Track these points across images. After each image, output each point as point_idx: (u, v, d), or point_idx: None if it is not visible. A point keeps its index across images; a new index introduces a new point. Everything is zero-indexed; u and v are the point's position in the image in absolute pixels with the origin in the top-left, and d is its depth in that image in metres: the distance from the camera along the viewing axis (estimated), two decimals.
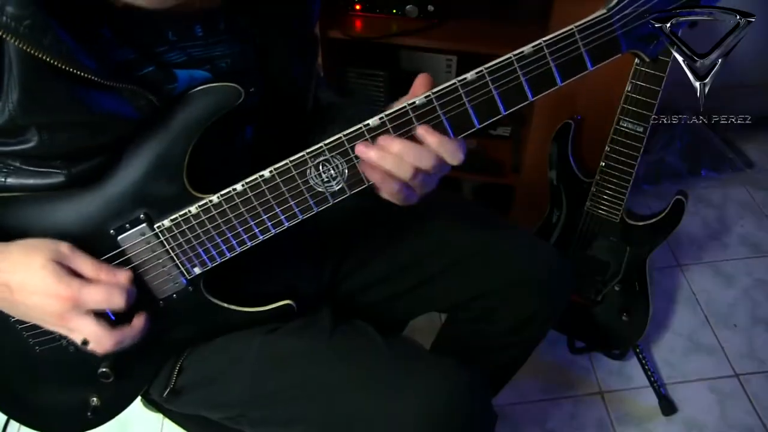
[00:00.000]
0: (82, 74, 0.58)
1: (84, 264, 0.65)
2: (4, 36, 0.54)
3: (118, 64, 0.63)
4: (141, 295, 0.70)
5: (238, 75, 0.73)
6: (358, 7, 1.52)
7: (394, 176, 0.65)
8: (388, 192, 0.67)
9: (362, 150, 0.64)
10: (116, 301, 0.65)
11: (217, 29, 0.70)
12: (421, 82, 0.65)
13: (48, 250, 0.64)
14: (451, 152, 0.64)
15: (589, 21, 0.60)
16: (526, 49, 0.61)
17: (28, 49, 0.55)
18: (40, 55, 0.56)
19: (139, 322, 0.70)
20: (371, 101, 1.65)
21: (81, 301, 0.63)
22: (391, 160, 0.64)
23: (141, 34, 0.64)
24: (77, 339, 0.66)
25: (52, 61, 0.56)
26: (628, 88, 1.15)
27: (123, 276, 0.67)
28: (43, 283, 0.63)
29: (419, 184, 0.66)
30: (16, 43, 0.55)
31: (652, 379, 1.49)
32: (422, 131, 0.64)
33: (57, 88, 0.59)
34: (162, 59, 0.66)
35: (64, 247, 0.65)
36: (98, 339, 0.66)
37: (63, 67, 0.57)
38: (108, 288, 0.65)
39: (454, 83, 0.62)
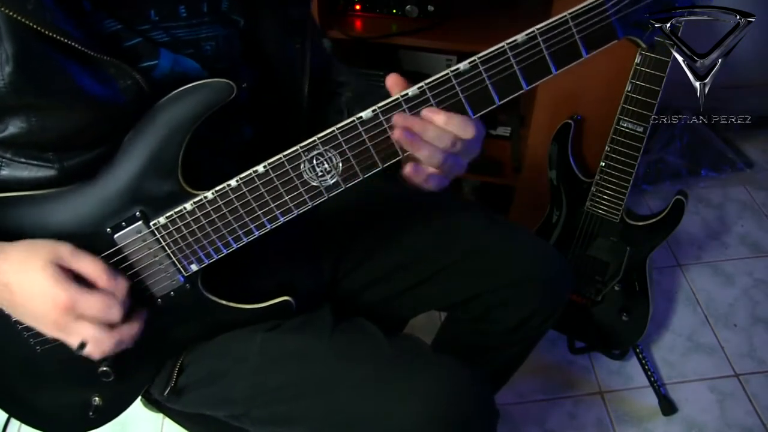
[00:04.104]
0: (69, 43, 0.58)
1: (85, 265, 0.65)
2: None
3: (106, 36, 0.63)
4: (138, 293, 0.70)
5: (226, 63, 0.74)
6: (358, 7, 1.52)
7: (435, 146, 0.65)
8: (431, 165, 0.67)
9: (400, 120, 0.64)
10: (113, 314, 0.65)
11: (200, 11, 0.70)
12: (394, 81, 0.65)
13: (47, 252, 0.64)
14: (461, 126, 0.64)
15: (582, 7, 0.60)
16: (520, 37, 0.61)
17: (13, 14, 0.55)
18: (25, 21, 0.56)
19: (136, 321, 0.69)
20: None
21: (77, 309, 0.63)
22: (433, 130, 0.64)
23: (121, 10, 0.64)
24: (74, 343, 0.66)
25: (38, 28, 0.56)
26: (628, 88, 1.15)
27: (122, 284, 0.66)
28: (41, 287, 0.63)
29: (449, 167, 0.67)
30: (0, 8, 0.55)
31: (652, 379, 1.49)
32: (427, 113, 0.64)
33: (48, 62, 0.59)
34: (147, 36, 0.66)
35: (64, 249, 0.65)
36: (97, 342, 0.66)
37: (50, 34, 0.57)
38: (106, 300, 0.64)
39: (447, 74, 0.62)
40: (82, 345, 0.65)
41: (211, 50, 0.71)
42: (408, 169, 0.68)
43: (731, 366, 1.55)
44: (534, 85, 0.63)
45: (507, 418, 1.46)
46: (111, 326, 0.66)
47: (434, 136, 0.64)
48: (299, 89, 0.82)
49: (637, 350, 1.51)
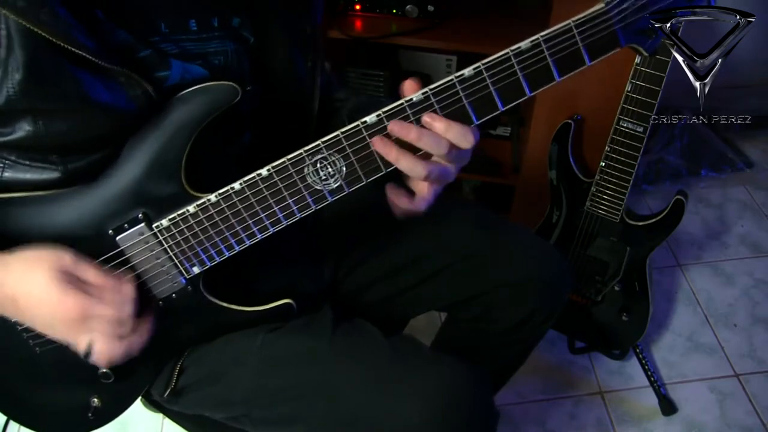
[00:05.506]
0: (81, 52, 0.58)
1: (88, 272, 0.65)
2: (1, 9, 0.54)
3: (117, 46, 0.63)
4: (140, 295, 0.70)
5: (234, 73, 0.73)
6: (358, 7, 1.52)
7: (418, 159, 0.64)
8: (414, 175, 0.66)
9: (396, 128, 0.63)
10: (124, 316, 0.65)
11: (210, 26, 0.70)
12: (410, 86, 0.64)
13: (51, 261, 0.63)
14: (461, 135, 0.64)
15: (586, 15, 0.60)
16: (524, 44, 0.61)
17: (26, 24, 0.55)
18: (37, 30, 0.56)
19: (145, 330, 0.69)
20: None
21: (89, 315, 0.63)
22: (430, 137, 0.63)
23: (133, 21, 0.64)
24: (81, 350, 0.66)
25: (50, 38, 0.56)
26: (628, 88, 1.15)
27: (127, 293, 0.66)
28: (49, 297, 0.62)
29: (436, 177, 0.66)
30: (14, 17, 0.55)
31: (652, 379, 1.49)
32: (428, 118, 0.63)
33: (58, 71, 0.59)
34: (157, 47, 0.66)
35: (67, 257, 0.64)
36: (108, 350, 0.66)
37: (61, 44, 0.57)
38: (116, 303, 0.65)
39: (452, 80, 0.62)
40: (89, 353, 0.66)
41: (219, 64, 0.71)
42: (398, 199, 0.69)
43: (731, 366, 1.55)
44: (537, 91, 0.63)
45: (507, 418, 1.46)
46: (120, 336, 0.66)
47: (431, 143, 0.63)
48: (309, 107, 0.83)
49: (637, 350, 1.51)
